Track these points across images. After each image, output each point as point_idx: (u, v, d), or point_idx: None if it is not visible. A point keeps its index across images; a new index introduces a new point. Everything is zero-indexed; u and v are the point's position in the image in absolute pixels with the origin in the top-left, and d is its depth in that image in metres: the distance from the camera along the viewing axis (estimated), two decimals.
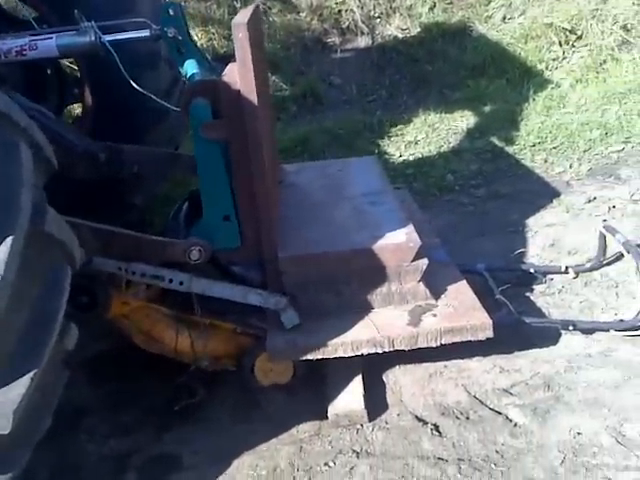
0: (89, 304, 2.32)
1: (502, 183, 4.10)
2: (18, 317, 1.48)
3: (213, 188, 2.32)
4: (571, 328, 2.59)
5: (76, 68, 3.19)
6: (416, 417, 2.35)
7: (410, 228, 2.48)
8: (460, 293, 2.52)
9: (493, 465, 2.10)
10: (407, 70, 6.01)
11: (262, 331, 2.45)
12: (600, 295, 2.89)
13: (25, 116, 1.64)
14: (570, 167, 4.16)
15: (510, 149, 4.52)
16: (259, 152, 2.24)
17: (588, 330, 2.61)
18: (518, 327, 2.58)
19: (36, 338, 1.54)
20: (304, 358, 2.34)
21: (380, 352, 2.31)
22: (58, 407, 1.74)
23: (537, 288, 2.98)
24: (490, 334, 2.32)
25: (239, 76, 2.14)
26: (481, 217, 3.74)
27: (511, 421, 2.27)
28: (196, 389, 2.50)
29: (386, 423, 2.34)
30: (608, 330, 2.58)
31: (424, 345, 2.32)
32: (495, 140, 4.65)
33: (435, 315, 2.39)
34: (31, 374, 1.46)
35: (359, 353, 2.30)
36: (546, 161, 4.30)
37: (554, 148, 4.43)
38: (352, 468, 2.17)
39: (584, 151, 4.32)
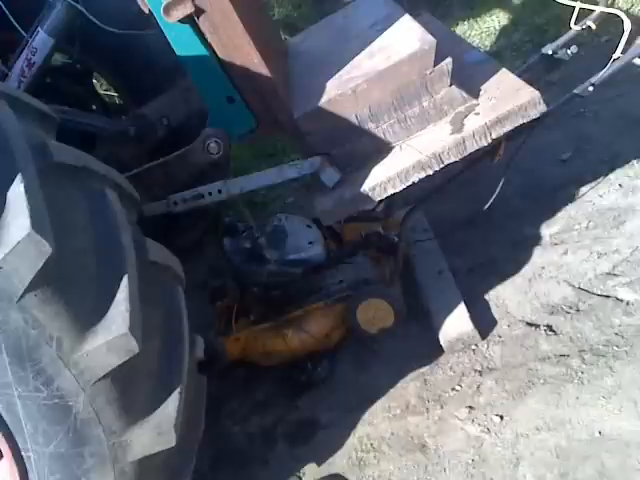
0: (208, 362, 2.17)
1: None
2: (153, 343, 1.64)
3: (202, 71, 2.15)
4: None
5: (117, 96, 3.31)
6: (527, 323, 2.38)
7: (422, 32, 2.21)
8: (501, 82, 2.25)
9: (615, 347, 2.11)
10: None
11: (347, 290, 2.52)
12: None
13: (101, 163, 1.76)
14: None
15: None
16: (233, 13, 2.01)
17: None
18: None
19: (173, 357, 1.70)
20: (355, 209, 2.24)
21: (431, 174, 2.14)
22: None
23: None
24: (543, 108, 2.09)
25: None
26: None
27: (622, 301, 2.26)
28: (319, 363, 2.60)
29: (499, 337, 2.39)
30: None
31: (474, 148, 2.13)
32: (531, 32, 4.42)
33: (478, 113, 2.16)
34: (178, 389, 1.63)
35: (409, 183, 2.15)
36: None
37: None
38: (479, 386, 2.24)
39: None
